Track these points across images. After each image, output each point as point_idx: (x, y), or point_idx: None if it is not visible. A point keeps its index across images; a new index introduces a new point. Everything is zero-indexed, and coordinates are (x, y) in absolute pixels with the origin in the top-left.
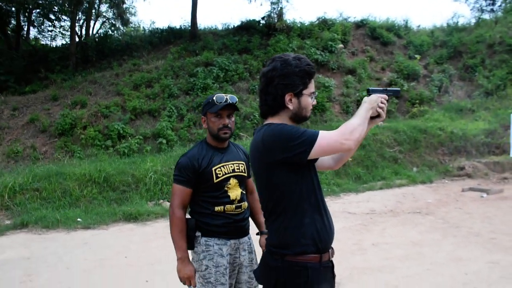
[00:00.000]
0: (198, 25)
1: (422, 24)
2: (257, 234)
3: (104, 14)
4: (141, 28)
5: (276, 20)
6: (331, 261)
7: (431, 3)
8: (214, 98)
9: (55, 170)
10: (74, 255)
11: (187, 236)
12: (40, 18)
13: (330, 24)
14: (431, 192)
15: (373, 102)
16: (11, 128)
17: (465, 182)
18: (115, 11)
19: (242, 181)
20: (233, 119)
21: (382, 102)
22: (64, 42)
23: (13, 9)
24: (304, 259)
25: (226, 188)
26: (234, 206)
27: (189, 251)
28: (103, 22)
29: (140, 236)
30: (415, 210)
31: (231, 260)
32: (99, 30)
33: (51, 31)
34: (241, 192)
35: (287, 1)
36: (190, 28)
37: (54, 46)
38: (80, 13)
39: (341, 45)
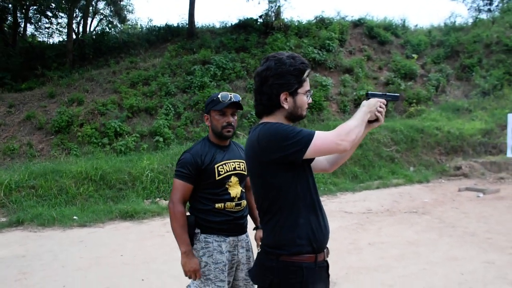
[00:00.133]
0: (195, 23)
1: (419, 23)
2: (254, 229)
3: (101, 11)
4: (139, 25)
5: (273, 19)
6: (326, 261)
7: (428, 2)
8: (219, 96)
9: (51, 168)
10: (69, 253)
11: (188, 234)
12: (37, 15)
13: (328, 23)
14: (428, 192)
15: (371, 106)
16: (7, 125)
17: (461, 181)
18: (112, 8)
19: (242, 179)
20: (236, 117)
21: (380, 107)
22: (61, 39)
23: (10, 5)
24: (299, 259)
25: (227, 186)
26: (234, 203)
27: None
28: (101, 20)
29: (136, 234)
30: (412, 209)
31: (230, 257)
32: (96, 28)
33: (48, 28)
34: (241, 190)
35: (285, 0)
36: (187, 26)
37: (51, 43)
38: (77, 10)
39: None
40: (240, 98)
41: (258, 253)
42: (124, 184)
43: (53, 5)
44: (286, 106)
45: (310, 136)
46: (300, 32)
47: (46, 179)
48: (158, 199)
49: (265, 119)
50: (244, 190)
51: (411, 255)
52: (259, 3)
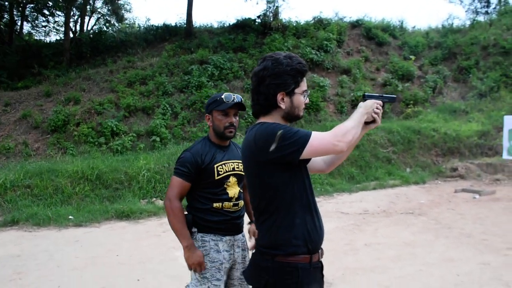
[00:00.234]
0: (193, 22)
1: (417, 25)
2: (249, 223)
3: (99, 10)
4: (136, 25)
5: (271, 19)
6: (321, 262)
7: (426, 4)
8: (223, 96)
9: (47, 167)
10: (65, 253)
11: None
12: (34, 13)
13: (326, 23)
14: (424, 193)
15: (368, 107)
16: (3, 124)
17: (457, 183)
18: (110, 7)
19: (240, 180)
20: (237, 118)
21: (377, 108)
22: (58, 38)
23: (6, 3)
24: (294, 259)
25: (225, 186)
26: (232, 203)
27: None
28: (98, 18)
29: (132, 234)
30: (408, 210)
31: (228, 256)
32: (94, 26)
33: (45, 26)
34: (239, 191)
35: (283, 0)
36: (185, 25)
37: (48, 41)
38: (74, 8)
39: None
40: (242, 99)
41: (253, 254)
42: (121, 184)
43: (50, 3)
44: (283, 106)
45: (307, 137)
46: (298, 32)
47: (42, 179)
48: (154, 199)
49: (262, 119)
50: (242, 191)
51: (407, 256)
52: (257, 3)
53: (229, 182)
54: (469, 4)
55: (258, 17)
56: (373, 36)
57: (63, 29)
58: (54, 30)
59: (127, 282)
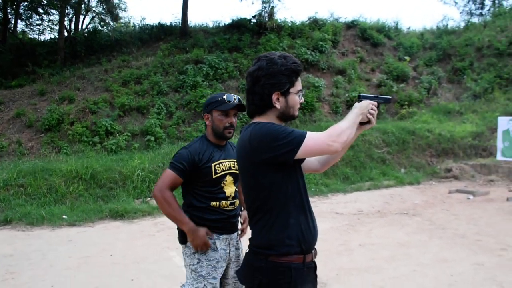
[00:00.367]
0: (188, 22)
1: (412, 26)
2: (241, 210)
3: (93, 9)
4: (131, 24)
5: (267, 19)
6: (314, 262)
7: (421, 5)
8: (225, 97)
9: (40, 166)
10: (58, 252)
11: (181, 231)
12: (28, 11)
13: (321, 24)
14: (419, 194)
15: (363, 108)
16: None
17: (452, 184)
18: (105, 6)
19: (236, 179)
20: (236, 119)
21: (372, 109)
22: (52, 36)
23: (0, 1)
24: (288, 259)
25: (222, 185)
26: (228, 202)
27: (183, 246)
28: (93, 17)
29: (126, 234)
30: (402, 211)
31: (224, 255)
32: (89, 25)
33: (39, 25)
34: (235, 190)
35: (279, 0)
36: (180, 25)
37: (42, 40)
38: (69, 7)
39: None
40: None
41: (247, 254)
42: (115, 183)
43: (45, 1)
44: (278, 106)
45: (302, 137)
46: (293, 33)
47: (36, 178)
48: (148, 198)
49: (257, 119)
50: (238, 190)
51: (401, 257)
52: (252, 3)
53: (226, 181)
54: (464, 5)
55: (254, 17)
56: (368, 36)
57: (57, 27)
58: (49, 29)
59: (120, 282)
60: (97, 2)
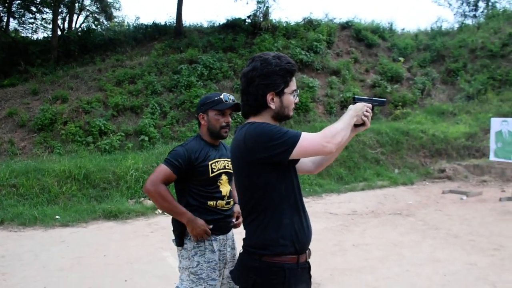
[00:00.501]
0: (183, 22)
1: (406, 27)
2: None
3: (87, 7)
4: (125, 23)
5: (262, 19)
6: (308, 262)
7: (415, 7)
8: (222, 96)
9: (33, 166)
10: (51, 253)
11: (178, 233)
12: (20, 10)
13: (316, 24)
14: (412, 194)
15: (358, 110)
16: None
17: (445, 184)
18: (98, 5)
19: (231, 178)
20: (230, 119)
21: (367, 111)
22: (45, 35)
23: None
24: (281, 259)
25: (218, 183)
26: (224, 202)
27: (179, 248)
28: (87, 16)
29: (120, 234)
30: (396, 211)
31: (221, 256)
32: (82, 24)
33: (32, 23)
34: (230, 189)
35: (274, 0)
36: (175, 24)
37: (35, 39)
38: (62, 6)
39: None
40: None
41: (241, 254)
42: (108, 184)
43: (38, 0)
44: (272, 106)
45: (296, 137)
46: (288, 33)
47: (28, 178)
48: (142, 199)
49: (252, 119)
50: (232, 190)
51: (395, 257)
52: (247, 3)
53: (221, 179)
54: (458, 7)
55: (248, 17)
56: (362, 37)
57: (50, 26)
58: (42, 27)
59: (114, 282)
60: (91, 1)
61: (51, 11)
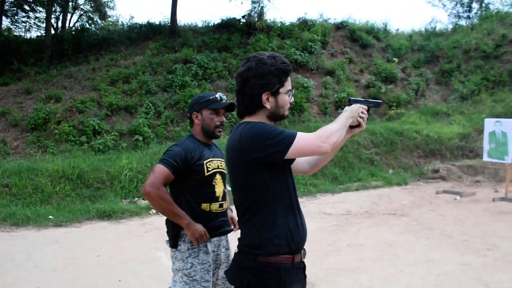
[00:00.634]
0: (178, 21)
1: (400, 28)
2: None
3: (81, 6)
4: (120, 22)
5: (256, 19)
6: (303, 262)
7: (410, 7)
8: (217, 95)
9: (26, 166)
10: (44, 253)
11: (172, 235)
12: (13, 8)
13: (310, 24)
14: (406, 194)
15: (354, 111)
16: None
17: (439, 184)
18: (92, 4)
19: (224, 178)
20: (224, 118)
21: (362, 113)
22: (39, 34)
23: None
24: (276, 259)
25: (213, 183)
26: (218, 204)
27: (172, 250)
28: (80, 15)
29: (114, 234)
30: (390, 211)
31: (214, 257)
32: (76, 23)
33: (25, 22)
34: (224, 190)
35: (269, 1)
36: (169, 24)
37: (28, 37)
38: (56, 4)
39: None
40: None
41: (236, 253)
42: (102, 183)
43: None
44: (268, 106)
45: (292, 137)
46: (283, 33)
47: (21, 178)
48: (136, 199)
49: (247, 119)
50: (225, 191)
51: (389, 257)
52: (241, 3)
53: (216, 179)
54: (452, 8)
55: (243, 17)
56: (357, 38)
57: (44, 25)
58: (35, 26)
59: (108, 282)
60: (85, 0)
61: (44, 10)
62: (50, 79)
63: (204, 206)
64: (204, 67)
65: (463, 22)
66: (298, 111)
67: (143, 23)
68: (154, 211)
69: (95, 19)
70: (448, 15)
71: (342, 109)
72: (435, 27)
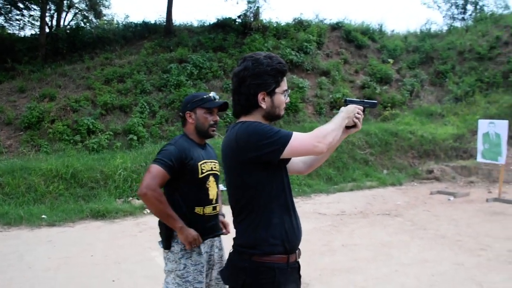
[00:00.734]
0: (173, 21)
1: (396, 29)
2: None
3: (76, 5)
4: (115, 21)
5: (252, 19)
6: (298, 262)
7: (405, 9)
8: (211, 95)
9: (19, 165)
10: (37, 253)
11: (165, 236)
12: (7, 6)
13: (306, 25)
14: (401, 194)
15: (350, 112)
16: None
17: (433, 185)
18: (88, 2)
19: (218, 180)
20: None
21: (358, 113)
22: (33, 32)
23: None
24: (271, 259)
25: (207, 186)
26: (211, 207)
27: (165, 251)
28: (75, 14)
29: (108, 234)
30: (385, 212)
31: (207, 258)
32: (71, 22)
33: (19, 20)
34: (217, 192)
35: (264, 1)
36: (165, 23)
37: (23, 36)
38: (50, 2)
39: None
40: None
41: (230, 253)
42: (96, 183)
43: None
44: (264, 105)
45: (288, 137)
46: (278, 33)
47: (14, 177)
48: (131, 198)
49: (243, 119)
50: (218, 192)
51: (383, 257)
52: (237, 3)
53: (209, 181)
54: (447, 10)
55: (239, 17)
56: (352, 38)
57: (38, 23)
58: (29, 24)
59: (102, 282)
60: None
61: (39, 8)
62: (44, 77)
63: (198, 209)
64: (199, 67)
65: (458, 24)
66: (293, 111)
67: (139, 22)
68: (148, 211)
69: (90, 18)
70: (443, 17)
71: (337, 109)
72: (430, 28)
